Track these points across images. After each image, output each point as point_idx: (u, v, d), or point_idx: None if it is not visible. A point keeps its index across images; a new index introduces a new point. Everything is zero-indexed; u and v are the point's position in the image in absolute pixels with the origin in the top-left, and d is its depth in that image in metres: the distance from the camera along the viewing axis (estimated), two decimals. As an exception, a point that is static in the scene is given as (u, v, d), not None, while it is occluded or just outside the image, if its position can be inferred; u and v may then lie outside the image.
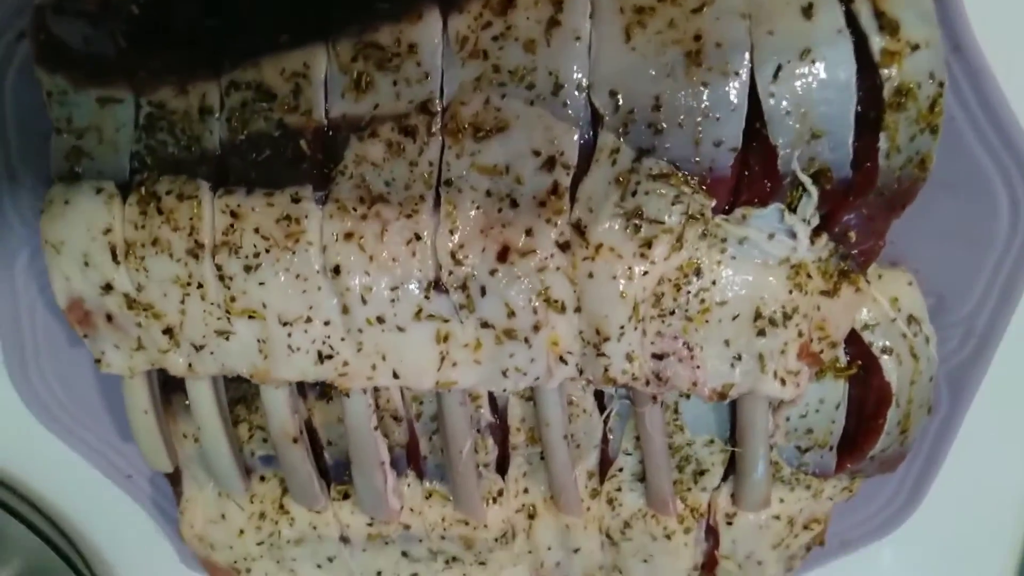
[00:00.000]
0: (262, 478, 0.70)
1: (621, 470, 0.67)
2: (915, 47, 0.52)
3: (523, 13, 0.53)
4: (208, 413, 0.64)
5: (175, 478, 0.73)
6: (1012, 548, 0.83)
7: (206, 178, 0.58)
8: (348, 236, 0.56)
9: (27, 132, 0.67)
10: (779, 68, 0.52)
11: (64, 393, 0.77)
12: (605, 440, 0.67)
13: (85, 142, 0.59)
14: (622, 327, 0.56)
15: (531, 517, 0.69)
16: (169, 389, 0.69)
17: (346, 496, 0.69)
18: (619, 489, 0.68)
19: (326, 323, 0.58)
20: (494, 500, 0.68)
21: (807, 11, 0.51)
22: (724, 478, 0.68)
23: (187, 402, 0.68)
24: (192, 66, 0.57)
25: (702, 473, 0.67)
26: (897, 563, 0.84)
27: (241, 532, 0.71)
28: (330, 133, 0.56)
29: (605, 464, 0.68)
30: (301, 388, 0.67)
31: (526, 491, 0.68)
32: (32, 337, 0.75)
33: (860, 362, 0.64)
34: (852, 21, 0.52)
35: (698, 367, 0.57)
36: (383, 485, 0.65)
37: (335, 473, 0.69)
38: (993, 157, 0.62)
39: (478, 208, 0.55)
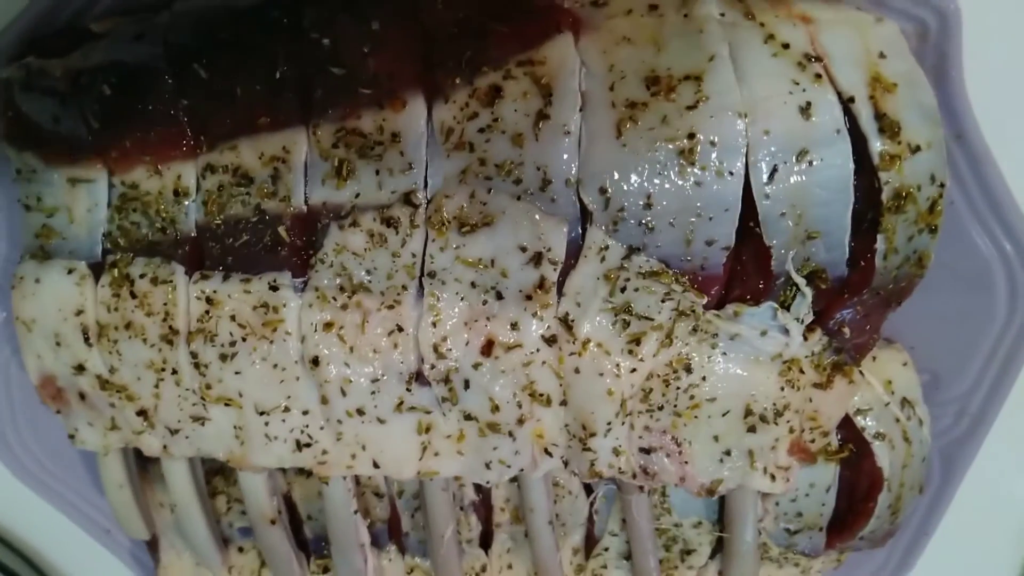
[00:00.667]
0: (240, 549, 0.69)
1: (607, 549, 0.66)
2: (916, 149, 0.50)
3: (511, 105, 0.51)
4: (183, 491, 0.63)
5: (153, 544, 0.71)
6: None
7: (181, 262, 0.56)
8: (328, 326, 0.54)
9: (2, 197, 0.65)
10: (775, 169, 0.50)
11: (40, 449, 0.75)
12: (591, 519, 0.65)
13: (55, 220, 0.57)
14: (609, 423, 0.54)
15: (515, 590, 0.68)
16: (146, 457, 0.68)
17: (325, 571, 0.67)
18: (604, 567, 0.67)
19: (304, 412, 0.56)
20: (477, 576, 0.67)
21: (805, 111, 0.50)
22: (711, 556, 0.67)
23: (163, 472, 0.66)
24: (167, 147, 0.54)
25: (689, 552, 0.66)
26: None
27: (220, 602, 0.70)
28: (310, 219, 0.54)
29: (591, 541, 0.66)
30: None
31: (510, 567, 0.67)
32: (7, 394, 0.73)
33: (851, 445, 0.63)
34: (851, 121, 0.50)
35: (686, 462, 0.56)
36: (363, 566, 0.63)
37: (315, 547, 0.67)
38: (992, 241, 0.61)
39: (462, 300, 0.54)
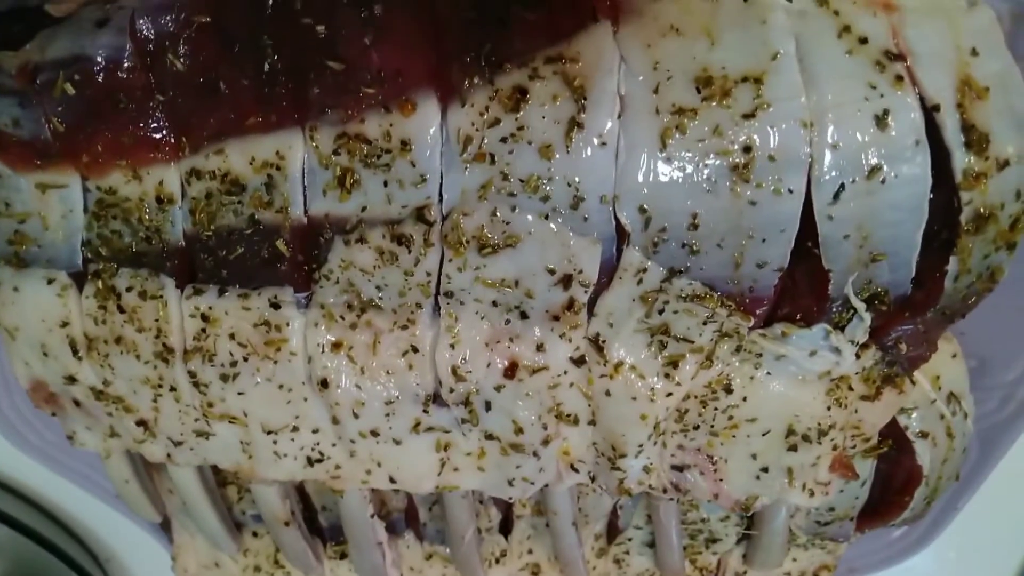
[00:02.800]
0: (255, 534, 0.67)
1: (630, 539, 0.64)
2: (1004, 164, 0.43)
3: (538, 111, 0.44)
4: (192, 493, 0.60)
5: (166, 524, 0.70)
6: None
7: (170, 274, 0.50)
8: (336, 346, 0.50)
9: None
10: (841, 187, 0.43)
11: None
12: (615, 512, 0.63)
13: (28, 227, 0.51)
14: (640, 445, 0.51)
15: (535, 575, 0.67)
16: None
17: (343, 556, 0.66)
18: (627, 552, 0.66)
19: (314, 431, 0.53)
20: (497, 561, 0.66)
21: (881, 120, 0.43)
22: (737, 542, 0.65)
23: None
24: (143, 149, 0.48)
25: (714, 541, 0.65)
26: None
27: (237, 580, 0.69)
28: (312, 231, 0.48)
29: (613, 530, 0.65)
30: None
31: (530, 552, 0.66)
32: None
33: (891, 440, 0.60)
34: (933, 130, 0.43)
35: (720, 480, 0.53)
36: (381, 561, 0.62)
37: (331, 534, 0.66)
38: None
39: (483, 320, 0.49)
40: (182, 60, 0.46)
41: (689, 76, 0.43)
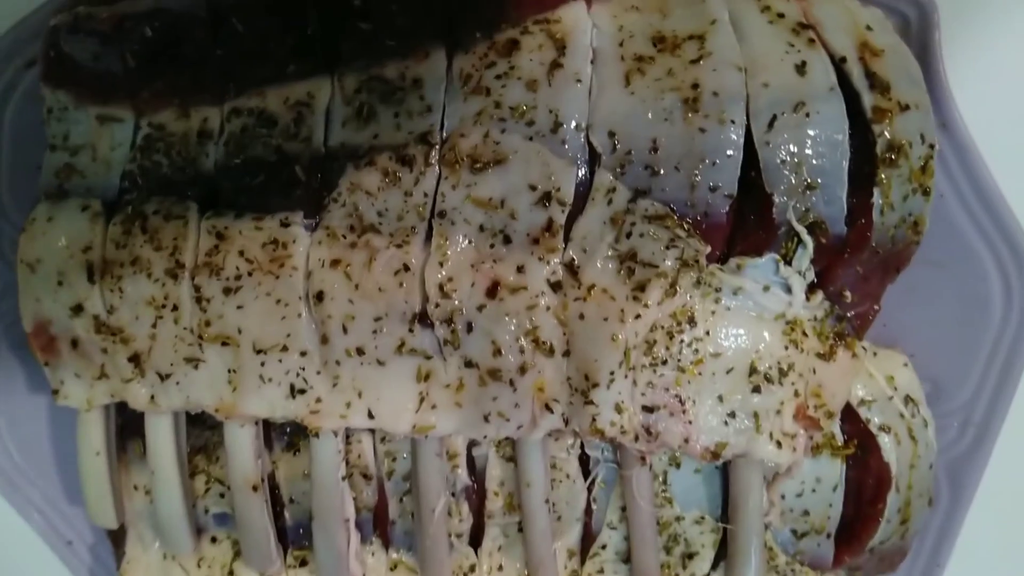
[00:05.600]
0: (213, 539, 0.65)
1: (604, 547, 0.62)
2: (905, 107, 0.53)
3: (527, 55, 0.54)
4: (164, 454, 0.60)
5: (118, 537, 0.67)
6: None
7: (196, 200, 0.57)
8: (335, 263, 0.55)
9: (20, 163, 0.67)
10: (774, 118, 0.53)
11: (14, 444, 0.72)
12: (588, 512, 0.62)
13: (78, 159, 0.59)
14: (612, 373, 0.54)
15: (504, 598, 0.63)
16: (125, 435, 0.65)
17: (303, 563, 0.63)
18: (601, 571, 0.63)
19: (302, 354, 0.55)
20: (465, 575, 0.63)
21: (800, 68, 0.53)
22: (714, 566, 0.63)
23: (143, 450, 0.63)
24: (197, 90, 0.57)
25: (691, 556, 0.62)
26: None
27: (183, 601, 0.64)
28: (327, 160, 0.56)
29: (587, 540, 0.63)
30: (268, 439, 0.63)
31: (500, 568, 0.63)
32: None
33: (857, 441, 0.62)
34: (844, 81, 0.54)
35: (690, 422, 0.55)
36: (345, 545, 0.59)
37: (294, 536, 0.63)
38: (983, 235, 0.63)
39: (470, 242, 0.54)
40: (241, 22, 0.57)
41: (647, 36, 0.55)
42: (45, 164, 0.60)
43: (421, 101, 0.55)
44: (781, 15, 0.55)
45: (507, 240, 0.54)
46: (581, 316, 0.54)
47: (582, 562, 0.63)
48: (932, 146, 0.54)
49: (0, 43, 0.63)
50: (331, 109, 0.56)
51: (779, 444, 0.55)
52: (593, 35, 0.55)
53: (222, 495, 0.64)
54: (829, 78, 0.53)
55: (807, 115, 0.53)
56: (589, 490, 0.61)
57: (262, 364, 0.55)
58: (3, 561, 0.75)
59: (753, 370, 0.54)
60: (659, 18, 0.55)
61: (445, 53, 0.56)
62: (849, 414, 0.61)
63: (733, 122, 0.53)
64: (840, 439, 0.61)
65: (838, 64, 0.54)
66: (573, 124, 0.54)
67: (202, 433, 0.64)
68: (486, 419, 0.55)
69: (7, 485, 0.72)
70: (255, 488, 0.59)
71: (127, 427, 0.65)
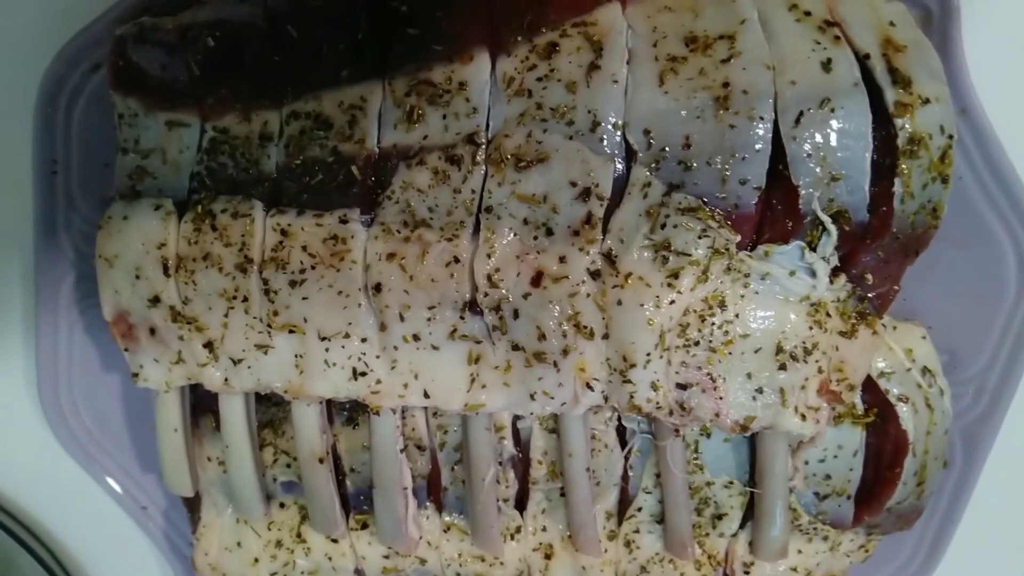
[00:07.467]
0: (282, 505, 0.71)
1: (640, 510, 0.68)
2: (926, 101, 0.56)
3: (566, 58, 0.58)
4: (237, 430, 0.65)
5: (193, 504, 0.73)
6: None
7: (260, 199, 0.61)
8: (391, 256, 0.59)
9: (89, 161, 0.72)
10: (800, 114, 0.56)
11: (90, 418, 0.78)
12: (625, 478, 0.67)
13: (149, 162, 0.63)
14: (648, 354, 0.58)
15: (548, 557, 0.69)
16: (198, 412, 0.71)
17: (364, 526, 0.69)
18: (637, 531, 0.68)
19: (363, 340, 0.60)
20: (512, 537, 0.68)
21: (826, 65, 0.56)
22: (742, 525, 0.68)
23: (215, 425, 0.69)
24: (257, 96, 0.61)
25: (720, 517, 0.68)
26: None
27: (256, 561, 0.71)
28: (380, 160, 0.60)
29: (624, 504, 0.68)
30: (329, 414, 0.68)
31: (544, 529, 0.69)
32: (67, 359, 0.77)
33: (877, 410, 0.66)
34: (867, 76, 0.57)
35: (721, 398, 0.59)
36: (404, 511, 0.65)
37: (355, 502, 0.69)
38: (999, 216, 0.66)
39: (515, 235, 0.59)
40: (297, 29, 0.61)
41: (679, 36, 0.58)
42: (117, 166, 0.64)
43: (467, 103, 0.59)
44: (808, 13, 0.58)
45: (549, 233, 0.58)
46: (619, 302, 0.58)
47: (619, 523, 0.68)
48: (951, 136, 0.57)
49: (66, 49, 0.67)
50: (383, 112, 0.60)
51: (803, 417, 0.60)
52: (628, 36, 0.58)
53: (288, 465, 0.70)
54: (853, 74, 0.56)
55: (832, 110, 0.56)
56: (626, 458, 0.67)
57: (326, 350, 0.60)
58: (85, 527, 0.83)
59: (779, 349, 0.59)
60: (691, 18, 0.58)
61: (489, 56, 0.59)
62: (869, 385, 0.66)
63: (762, 118, 0.56)
64: (861, 408, 0.66)
65: (862, 60, 0.57)
66: (610, 123, 0.57)
67: (268, 409, 0.70)
68: (532, 397, 0.60)
69: (85, 456, 0.78)
70: (321, 460, 0.64)
71: (199, 404, 0.70)
